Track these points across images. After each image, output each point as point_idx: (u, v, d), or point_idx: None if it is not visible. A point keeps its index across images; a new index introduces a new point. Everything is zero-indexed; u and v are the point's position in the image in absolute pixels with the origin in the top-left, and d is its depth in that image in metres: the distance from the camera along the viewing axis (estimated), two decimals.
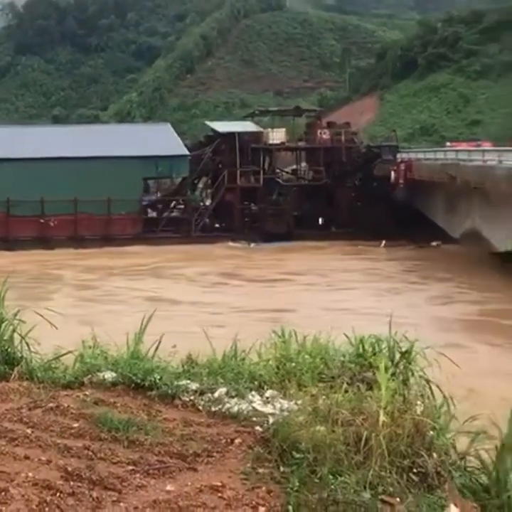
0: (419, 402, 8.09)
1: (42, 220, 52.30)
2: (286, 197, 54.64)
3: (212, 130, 61.48)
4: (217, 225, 56.39)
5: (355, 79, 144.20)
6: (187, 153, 56.57)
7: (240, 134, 55.85)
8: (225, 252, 49.31)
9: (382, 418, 6.86)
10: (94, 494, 5.78)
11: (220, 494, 6.00)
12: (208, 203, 57.19)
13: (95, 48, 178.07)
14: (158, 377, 8.63)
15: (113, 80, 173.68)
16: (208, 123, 68.71)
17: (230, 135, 55.81)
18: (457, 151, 49.44)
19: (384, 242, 49.11)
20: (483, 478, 8.20)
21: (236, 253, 48.96)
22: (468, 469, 8.43)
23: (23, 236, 51.63)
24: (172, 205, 58.32)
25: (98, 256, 47.65)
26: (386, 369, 7.81)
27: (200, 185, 60.19)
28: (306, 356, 9.17)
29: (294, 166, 60.41)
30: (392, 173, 50.80)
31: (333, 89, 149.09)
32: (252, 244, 51.49)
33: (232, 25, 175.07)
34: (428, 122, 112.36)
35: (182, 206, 57.25)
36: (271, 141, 56.38)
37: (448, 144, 74.39)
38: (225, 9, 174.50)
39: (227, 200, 55.03)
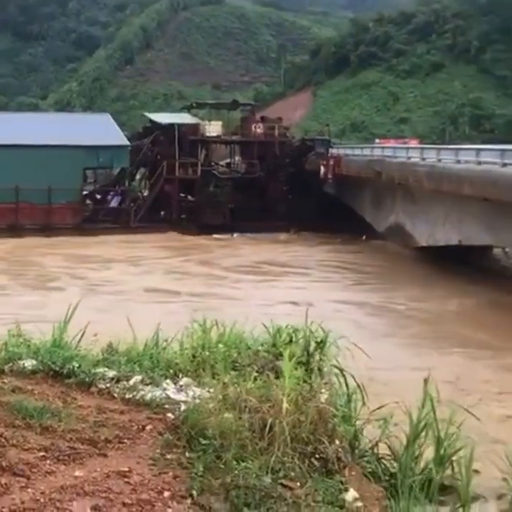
0: (324, 390, 8.27)
1: None
2: (222, 189, 54.59)
3: (151, 121, 60.90)
4: (155, 216, 55.57)
5: (290, 74, 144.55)
6: (128, 143, 55.83)
7: (179, 125, 55.50)
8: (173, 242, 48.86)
9: (285, 405, 6.99)
10: (3, 480, 5.77)
11: (126, 479, 6.05)
12: (145, 193, 56.67)
13: (36, 36, 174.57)
14: (77, 365, 8.63)
15: (53, 69, 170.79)
16: (146, 114, 67.99)
17: (170, 126, 55.31)
18: (383, 147, 50.14)
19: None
20: (393, 464, 8.45)
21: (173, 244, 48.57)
22: (379, 455, 8.68)
23: None
24: (110, 195, 57.59)
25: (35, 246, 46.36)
26: (291, 358, 7.94)
27: (138, 176, 59.59)
28: (221, 345, 9.27)
29: (228, 160, 60.35)
30: (322, 167, 51.22)
31: (268, 84, 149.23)
32: (235, 235, 51.14)
33: (171, 18, 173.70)
34: (358, 119, 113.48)
35: (120, 196, 56.57)
36: (208, 134, 56.21)
37: (377, 140, 75.39)
38: (164, 1, 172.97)
39: (166, 191, 54.67)
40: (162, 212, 55.22)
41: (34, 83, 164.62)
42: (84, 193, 55.38)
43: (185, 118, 59.85)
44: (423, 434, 8.39)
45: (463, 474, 7.95)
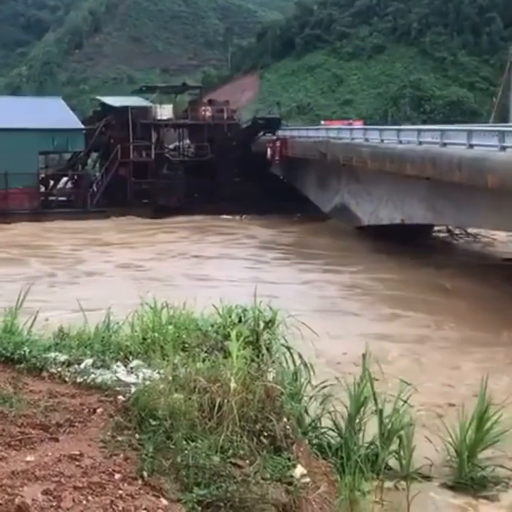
0: (271, 369, 8.27)
1: None
2: (176, 172, 54.08)
3: (102, 105, 59.84)
4: (109, 200, 54.20)
5: (237, 58, 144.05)
6: (82, 127, 54.62)
7: (132, 108, 54.66)
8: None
9: (233, 385, 6.97)
10: None
11: (78, 463, 5.97)
12: (97, 178, 55.60)
13: None
14: (28, 350, 8.48)
15: (2, 53, 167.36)
16: (99, 97, 66.89)
17: (123, 109, 54.47)
18: (328, 129, 50.18)
19: (244, 216, 49.61)
20: (337, 440, 8.51)
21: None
22: (323, 431, 8.73)
23: None
24: (64, 180, 56.45)
25: None
26: (238, 338, 7.92)
27: (90, 160, 58.54)
28: (171, 327, 9.20)
29: (176, 143, 59.69)
30: (268, 149, 51.08)
31: (216, 67, 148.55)
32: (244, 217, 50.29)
33: (119, 1, 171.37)
34: (304, 101, 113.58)
35: (72, 181, 55.54)
36: (159, 117, 55.52)
37: (322, 122, 75.46)
38: None
39: (120, 175, 53.63)
40: (114, 197, 54.18)
41: None
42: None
43: (136, 101, 58.95)
44: (363, 408, 8.47)
45: (404, 448, 8.07)
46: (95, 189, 53.56)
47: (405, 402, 8.64)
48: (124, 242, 42.18)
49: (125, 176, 53.61)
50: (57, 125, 52.12)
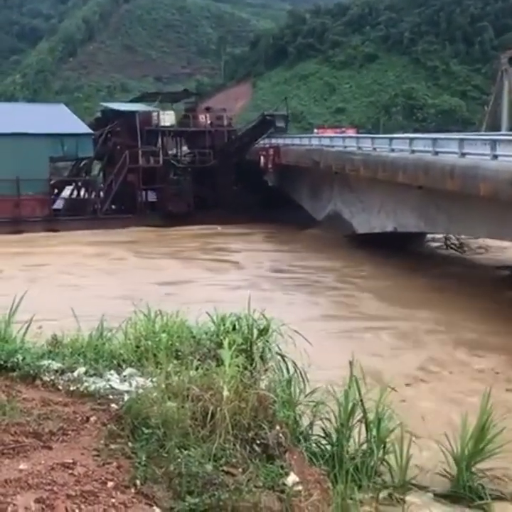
0: (264, 377, 8.28)
1: None
2: (184, 177, 53.60)
3: (104, 111, 59.14)
4: (117, 207, 53.08)
5: (230, 66, 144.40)
6: (91, 132, 52.95)
7: (139, 114, 54.11)
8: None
9: (226, 393, 6.98)
10: None
11: (71, 471, 5.96)
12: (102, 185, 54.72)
13: None
14: (22, 358, 8.47)
15: None
16: (105, 104, 66.53)
17: (130, 115, 53.57)
18: (321, 137, 50.19)
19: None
20: (329, 448, 8.51)
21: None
22: (315, 438, 8.73)
23: None
24: (71, 187, 55.58)
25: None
26: (231, 346, 7.92)
27: (95, 167, 57.61)
28: (164, 335, 9.21)
29: (173, 150, 59.33)
30: (262, 157, 51.03)
31: (209, 75, 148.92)
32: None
33: (113, 10, 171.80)
34: (297, 109, 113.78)
35: (79, 188, 54.52)
36: (163, 123, 55.17)
37: (315, 130, 75.68)
38: None
39: (128, 181, 52.27)
40: (123, 204, 52.91)
41: None
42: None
43: (140, 108, 58.36)
44: (352, 415, 8.48)
45: (396, 456, 8.08)
46: (102, 196, 52.92)
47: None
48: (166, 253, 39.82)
49: (133, 182, 53.01)
50: (66, 130, 50.91)
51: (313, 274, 31.61)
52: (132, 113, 53.94)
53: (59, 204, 52.93)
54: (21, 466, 5.99)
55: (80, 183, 54.88)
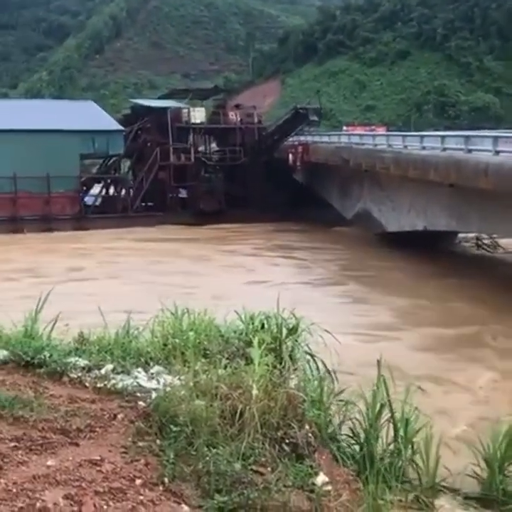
0: (294, 376, 8.29)
1: None
2: (216, 175, 53.47)
3: (134, 108, 59.23)
4: (146, 205, 53.10)
5: (258, 63, 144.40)
6: (122, 128, 52.70)
7: (170, 110, 54.03)
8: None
9: (255, 392, 7.00)
10: None
11: (98, 468, 6.02)
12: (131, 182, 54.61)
13: (6, 25, 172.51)
14: (49, 354, 8.56)
15: (24, 58, 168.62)
16: (134, 100, 66.82)
17: (161, 111, 53.51)
18: (350, 135, 50.08)
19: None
20: (358, 448, 8.50)
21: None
22: (344, 438, 8.71)
23: None
24: (97, 185, 55.41)
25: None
26: (260, 345, 7.94)
27: (124, 164, 57.53)
28: (192, 333, 9.25)
29: (202, 147, 59.14)
30: (290, 155, 51.00)
31: (237, 72, 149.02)
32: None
33: (141, 6, 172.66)
34: (326, 107, 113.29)
35: (109, 186, 54.48)
36: (193, 120, 55.02)
37: (345, 128, 75.46)
38: None
39: (159, 179, 52.23)
40: (153, 202, 52.80)
41: (4, 72, 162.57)
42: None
43: (170, 104, 58.18)
44: (381, 415, 8.46)
45: (424, 457, 8.05)
46: (136, 194, 52.49)
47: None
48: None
49: (164, 180, 52.75)
50: (96, 127, 50.83)
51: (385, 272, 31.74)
52: (163, 109, 53.94)
53: (89, 200, 53.15)
54: (49, 463, 6.06)
55: (109, 181, 55.05)
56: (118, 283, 29.26)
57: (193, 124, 54.55)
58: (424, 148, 33.53)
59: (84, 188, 53.33)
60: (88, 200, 53.14)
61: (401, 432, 8.41)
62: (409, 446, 8.37)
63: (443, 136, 32.89)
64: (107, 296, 21.67)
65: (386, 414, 8.61)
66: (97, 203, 52.95)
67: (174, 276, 30.50)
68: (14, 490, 5.51)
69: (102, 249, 39.86)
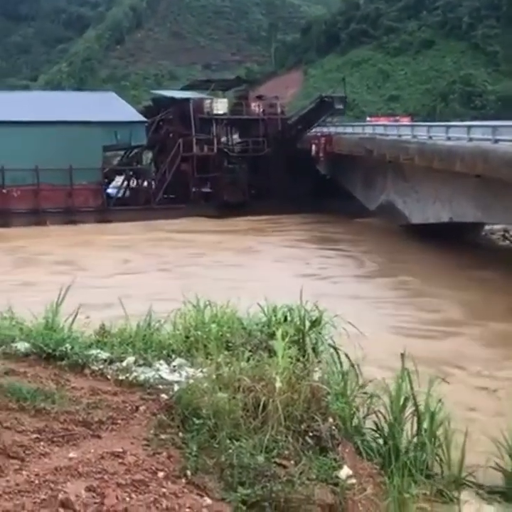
0: (317, 369, 8.28)
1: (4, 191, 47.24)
2: (240, 166, 53.35)
3: (155, 100, 59.12)
4: (169, 197, 52.99)
5: (280, 53, 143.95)
6: (145, 119, 52.93)
7: (193, 101, 53.84)
8: None
9: (278, 384, 6.99)
10: None
11: (121, 460, 6.05)
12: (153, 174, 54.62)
13: (26, 17, 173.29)
14: (70, 347, 8.61)
15: (43, 50, 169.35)
16: (156, 91, 66.87)
17: (183, 102, 53.67)
18: (374, 125, 49.91)
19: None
20: (382, 441, 8.49)
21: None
22: (368, 432, 8.70)
23: None
24: (118, 177, 55.05)
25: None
26: (284, 337, 7.93)
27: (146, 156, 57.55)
28: (214, 325, 9.26)
29: (223, 138, 59.03)
30: (313, 146, 50.89)
31: (259, 63, 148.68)
32: None
33: None
34: (350, 97, 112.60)
35: (131, 178, 54.42)
36: (216, 111, 54.91)
37: (368, 118, 75.17)
38: None
39: (182, 170, 52.20)
40: (175, 193, 52.71)
41: (24, 64, 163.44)
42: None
43: (193, 95, 58.09)
44: (405, 408, 8.45)
45: (445, 451, 8.01)
46: (159, 186, 52.50)
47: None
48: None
49: (187, 171, 52.47)
50: (119, 118, 50.88)
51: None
52: (186, 100, 53.95)
53: (111, 192, 53.29)
54: (71, 455, 6.09)
55: (131, 173, 55.12)
56: (168, 276, 29.46)
57: (216, 115, 54.46)
58: (449, 138, 33.33)
59: (106, 180, 53.44)
60: (111, 192, 53.30)
61: (424, 425, 8.40)
62: (433, 438, 8.35)
63: (469, 126, 32.66)
64: (161, 289, 22.17)
65: (409, 407, 8.60)
66: (120, 195, 53.09)
67: (224, 270, 30.77)
68: (36, 482, 5.55)
69: (141, 241, 40.13)
